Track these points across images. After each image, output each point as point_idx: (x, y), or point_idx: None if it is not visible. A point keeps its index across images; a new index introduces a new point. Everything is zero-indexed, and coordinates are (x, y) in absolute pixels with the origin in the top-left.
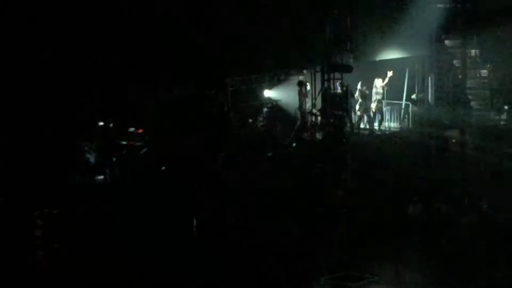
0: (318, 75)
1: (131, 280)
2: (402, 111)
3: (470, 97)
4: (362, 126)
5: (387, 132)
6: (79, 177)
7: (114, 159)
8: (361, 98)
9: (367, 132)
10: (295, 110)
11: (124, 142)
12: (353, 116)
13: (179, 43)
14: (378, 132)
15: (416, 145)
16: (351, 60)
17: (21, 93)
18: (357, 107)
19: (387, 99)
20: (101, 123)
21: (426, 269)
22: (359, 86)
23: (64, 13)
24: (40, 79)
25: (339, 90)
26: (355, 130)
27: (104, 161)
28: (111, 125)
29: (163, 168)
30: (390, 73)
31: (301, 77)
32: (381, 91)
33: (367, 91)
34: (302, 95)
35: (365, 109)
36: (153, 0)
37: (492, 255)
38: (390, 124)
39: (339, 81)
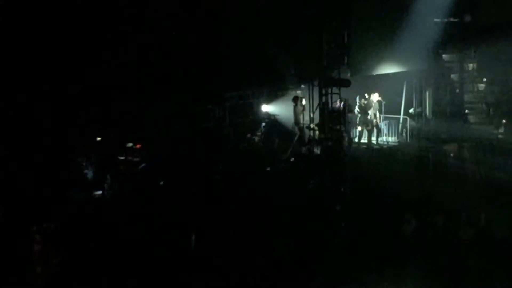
0: (316, 90)
1: None
2: (400, 125)
3: (467, 111)
4: (362, 140)
5: (385, 146)
6: (77, 192)
7: (112, 174)
8: (360, 112)
9: (365, 146)
10: (293, 125)
11: (122, 158)
12: (352, 130)
13: (176, 58)
14: (376, 146)
15: (414, 159)
16: (349, 74)
17: (18, 106)
18: (357, 121)
19: (385, 113)
20: (99, 139)
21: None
22: (357, 100)
23: (60, 27)
24: (38, 93)
25: (337, 105)
26: (353, 145)
27: (102, 176)
28: (109, 139)
29: (161, 183)
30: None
31: (298, 92)
32: (377, 105)
33: (365, 102)
34: (297, 110)
35: (364, 123)
36: (149, 13)
37: (491, 271)
38: (388, 138)
39: (338, 96)
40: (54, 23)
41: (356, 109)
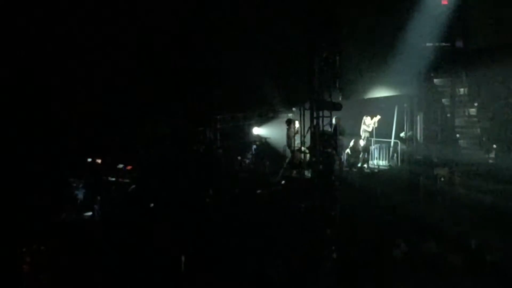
0: (307, 113)
1: None
2: (391, 149)
3: (458, 135)
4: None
5: (376, 170)
6: (67, 213)
7: (102, 195)
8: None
9: (355, 169)
10: (284, 148)
11: (112, 179)
12: (344, 153)
13: (168, 81)
14: (367, 170)
15: (404, 183)
16: (340, 97)
17: (9, 126)
18: (348, 150)
19: (376, 137)
20: (90, 160)
21: None
22: (351, 144)
23: (52, 45)
24: (29, 114)
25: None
26: (344, 168)
27: (93, 198)
28: (98, 161)
29: (152, 205)
30: (378, 117)
31: (290, 115)
32: (369, 129)
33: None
34: (290, 133)
35: (354, 147)
36: (142, 34)
37: None
38: (379, 162)
39: (333, 118)
40: (45, 48)
41: (348, 151)
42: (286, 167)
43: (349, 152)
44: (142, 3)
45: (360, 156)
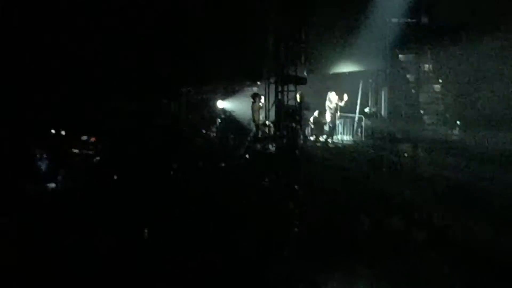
0: (272, 87)
1: None
2: (355, 124)
3: (422, 111)
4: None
5: (339, 145)
6: (30, 185)
7: (66, 167)
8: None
9: (320, 144)
10: (249, 121)
11: (76, 151)
12: (308, 128)
13: (132, 53)
14: (331, 145)
15: (368, 158)
16: (305, 72)
17: None
18: (311, 119)
19: (340, 112)
20: (53, 131)
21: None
22: (316, 114)
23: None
24: None
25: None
26: (308, 143)
27: (56, 169)
28: (63, 132)
29: (116, 177)
30: (346, 96)
31: (255, 89)
32: (334, 105)
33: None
34: (255, 107)
35: (319, 122)
36: (105, 8)
37: (445, 271)
38: (343, 137)
39: (298, 93)
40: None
41: (311, 124)
42: (250, 140)
43: (312, 125)
44: None
45: (325, 130)
